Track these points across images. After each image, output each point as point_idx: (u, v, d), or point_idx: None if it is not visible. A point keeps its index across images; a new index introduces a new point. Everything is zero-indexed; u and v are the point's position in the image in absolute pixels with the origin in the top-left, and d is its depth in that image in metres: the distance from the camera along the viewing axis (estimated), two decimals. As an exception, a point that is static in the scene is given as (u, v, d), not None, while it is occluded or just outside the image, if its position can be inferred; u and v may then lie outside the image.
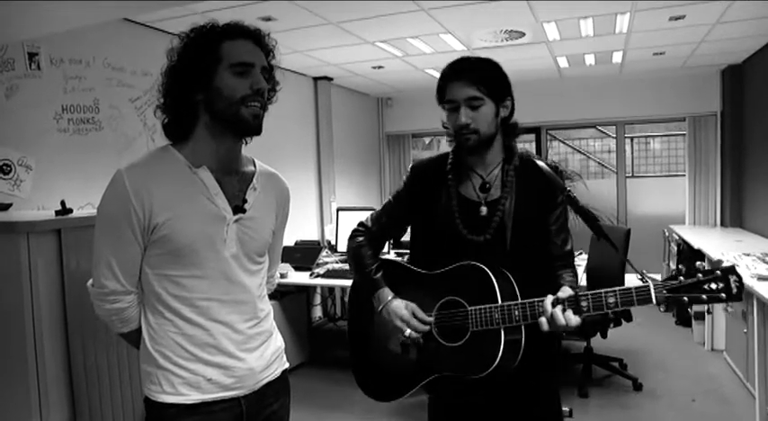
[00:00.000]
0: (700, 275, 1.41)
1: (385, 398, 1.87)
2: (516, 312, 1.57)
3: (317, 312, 6.15)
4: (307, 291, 5.25)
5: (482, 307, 1.61)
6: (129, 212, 1.37)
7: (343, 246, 4.79)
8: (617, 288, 1.47)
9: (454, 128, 1.69)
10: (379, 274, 1.82)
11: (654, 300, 1.43)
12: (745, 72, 6.18)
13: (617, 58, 5.86)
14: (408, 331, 1.70)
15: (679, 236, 5.71)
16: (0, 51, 3.17)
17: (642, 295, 1.44)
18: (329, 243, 5.46)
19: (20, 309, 2.20)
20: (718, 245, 4.99)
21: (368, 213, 5.47)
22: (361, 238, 1.91)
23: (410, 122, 8.12)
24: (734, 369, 4.34)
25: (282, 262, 4.50)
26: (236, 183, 1.51)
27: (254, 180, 1.55)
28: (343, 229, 4.83)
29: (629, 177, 7.34)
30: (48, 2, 2.42)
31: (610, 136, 7.54)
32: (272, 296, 1.69)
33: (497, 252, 1.68)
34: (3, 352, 2.27)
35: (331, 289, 5.99)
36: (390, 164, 8.33)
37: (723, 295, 1.40)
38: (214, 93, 1.40)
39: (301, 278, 4.43)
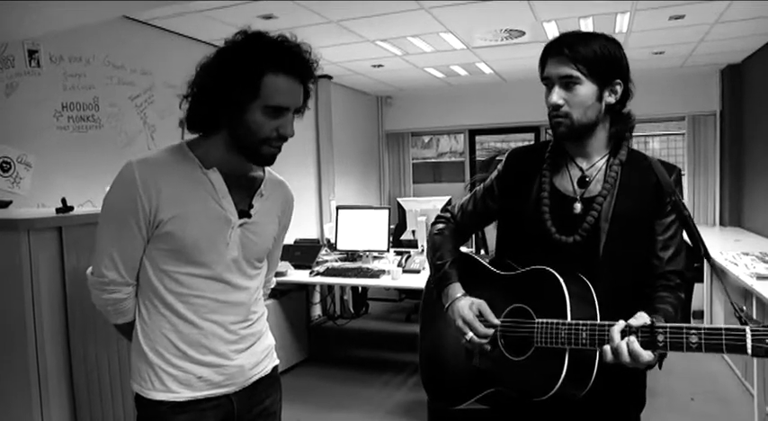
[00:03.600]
0: None
1: (445, 403, 1.70)
2: (584, 334, 1.32)
3: (317, 311, 6.16)
4: (306, 289, 5.25)
5: (549, 321, 1.38)
6: (137, 205, 1.37)
7: (342, 245, 4.81)
8: (703, 326, 1.18)
9: (547, 108, 1.48)
10: (452, 268, 1.64)
11: (749, 351, 1.11)
12: (745, 71, 6.19)
13: (617, 57, 5.85)
14: (470, 335, 1.50)
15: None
16: (0, 49, 3.17)
17: (734, 341, 1.13)
18: (328, 241, 5.46)
19: (20, 306, 2.20)
20: (718, 244, 5.00)
21: (366, 211, 5.44)
22: (441, 225, 1.74)
23: (410, 121, 8.13)
24: (732, 368, 4.35)
25: (282, 260, 4.50)
26: (244, 187, 1.51)
27: (262, 186, 1.55)
28: (342, 228, 4.83)
29: (628, 176, 7.33)
30: (48, 2, 2.42)
31: (609, 135, 7.53)
32: (271, 294, 1.69)
33: (588, 257, 1.45)
34: (4, 349, 2.27)
35: (330, 287, 5.99)
36: (390, 162, 8.33)
37: None
38: (241, 124, 1.36)
39: (301, 276, 4.42)
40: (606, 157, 1.51)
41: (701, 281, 4.89)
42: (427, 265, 1.80)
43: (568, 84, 1.43)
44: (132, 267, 1.45)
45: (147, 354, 1.45)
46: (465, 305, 1.54)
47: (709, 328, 1.17)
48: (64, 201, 2.38)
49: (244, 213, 1.49)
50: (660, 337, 1.23)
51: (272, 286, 1.80)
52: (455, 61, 5.99)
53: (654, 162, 1.50)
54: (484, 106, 7.58)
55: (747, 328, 1.12)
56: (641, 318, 1.28)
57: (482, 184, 1.71)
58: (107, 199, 1.43)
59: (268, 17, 4.04)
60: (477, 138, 8.16)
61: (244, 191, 1.51)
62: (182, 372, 1.45)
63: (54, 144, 3.44)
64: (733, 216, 6.45)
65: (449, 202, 4.83)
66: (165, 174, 1.40)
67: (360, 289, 6.16)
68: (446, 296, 1.61)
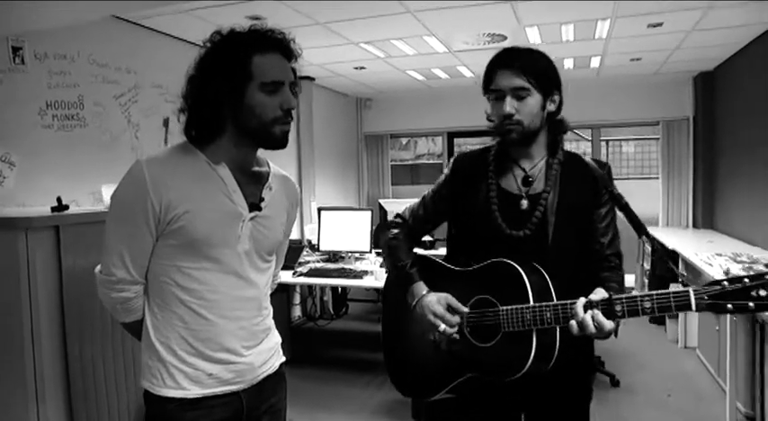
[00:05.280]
0: (746, 280, 1.27)
1: (418, 396, 1.78)
2: (548, 314, 1.48)
3: (296, 312, 6.16)
4: (287, 290, 5.25)
5: (513, 307, 1.53)
6: (146, 204, 1.38)
7: (324, 246, 4.83)
8: (654, 292, 1.37)
9: (498, 118, 1.62)
10: (413, 268, 1.75)
11: (693, 307, 1.31)
12: (717, 79, 6.37)
13: (595, 63, 5.98)
14: (443, 327, 1.62)
15: (653, 237, 5.85)
16: (-16, 45, 3.13)
17: (681, 300, 1.32)
18: (310, 242, 5.47)
19: (17, 304, 2.19)
20: (692, 245, 5.13)
21: (348, 212, 5.45)
22: (396, 231, 1.85)
23: (388, 123, 8.17)
24: (706, 365, 4.48)
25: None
26: (252, 181, 1.53)
27: (270, 180, 1.58)
28: (324, 229, 4.85)
29: (603, 179, 7.46)
30: (41, 1, 2.40)
31: (585, 139, 7.70)
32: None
33: (538, 248, 1.60)
34: (1, 348, 2.25)
35: (310, 288, 6.00)
36: (368, 164, 8.36)
37: None
38: (245, 110, 1.40)
39: (284, 277, 4.43)
40: (545, 158, 1.68)
41: (677, 281, 5.02)
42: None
43: (520, 95, 1.59)
44: (141, 266, 1.46)
45: (159, 351, 1.46)
46: (433, 300, 1.66)
47: (659, 293, 1.36)
48: (59, 199, 2.36)
49: (254, 206, 1.51)
50: (618, 307, 1.42)
51: (278, 280, 1.82)
52: (436, 64, 6.05)
53: (587, 160, 1.69)
54: (463, 109, 7.64)
55: (690, 289, 1.32)
56: (599, 293, 1.48)
57: (431, 189, 1.85)
58: (116, 197, 1.44)
59: (255, 18, 4.04)
60: (456, 140, 8.24)
61: (252, 185, 1.53)
62: (193, 369, 1.46)
63: (38, 143, 3.39)
64: (705, 218, 6.62)
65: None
66: (174, 171, 1.42)
67: (339, 290, 6.18)
68: (411, 295, 1.72)
